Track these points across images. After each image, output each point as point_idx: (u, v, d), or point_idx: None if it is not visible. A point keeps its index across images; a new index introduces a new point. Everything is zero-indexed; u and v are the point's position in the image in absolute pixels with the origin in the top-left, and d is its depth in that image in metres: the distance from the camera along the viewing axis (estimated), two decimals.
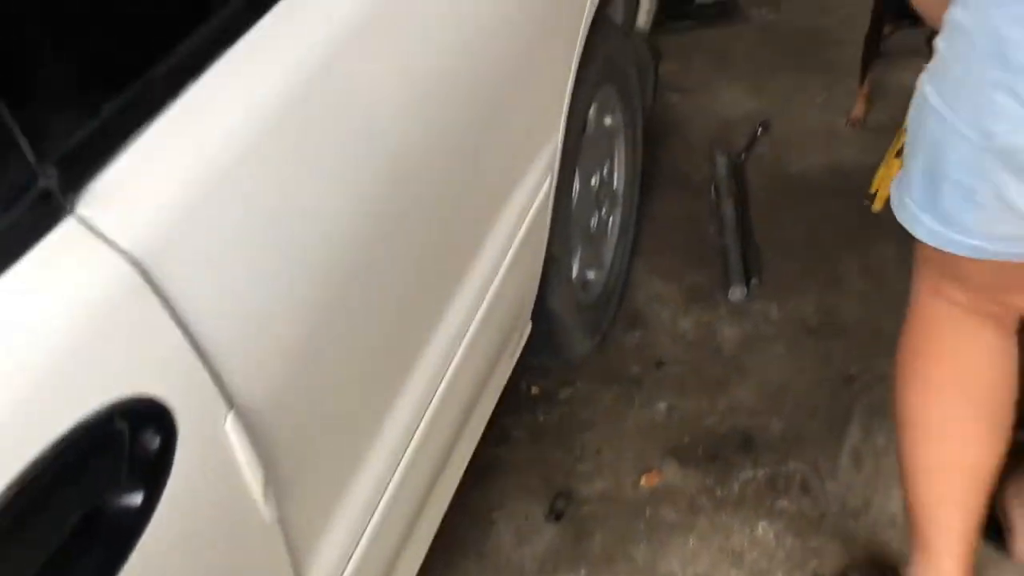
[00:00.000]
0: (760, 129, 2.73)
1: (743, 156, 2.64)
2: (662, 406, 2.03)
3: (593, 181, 1.95)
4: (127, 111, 0.77)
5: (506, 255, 1.44)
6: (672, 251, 2.38)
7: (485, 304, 1.38)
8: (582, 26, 1.61)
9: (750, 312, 2.22)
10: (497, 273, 1.41)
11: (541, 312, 1.80)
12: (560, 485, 1.90)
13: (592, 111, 1.90)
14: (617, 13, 2.12)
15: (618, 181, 2.16)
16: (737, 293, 2.23)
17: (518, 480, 1.91)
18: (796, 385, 2.05)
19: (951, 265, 1.26)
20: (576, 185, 1.86)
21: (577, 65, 1.59)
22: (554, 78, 1.52)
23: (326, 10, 0.97)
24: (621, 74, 2.01)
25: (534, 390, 2.08)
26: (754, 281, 2.26)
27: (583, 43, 1.61)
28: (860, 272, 2.27)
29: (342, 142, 0.97)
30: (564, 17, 1.54)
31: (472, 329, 1.34)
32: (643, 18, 2.16)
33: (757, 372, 2.09)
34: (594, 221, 1.99)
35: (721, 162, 2.59)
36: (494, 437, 1.97)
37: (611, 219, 2.15)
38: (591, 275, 2.09)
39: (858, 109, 2.73)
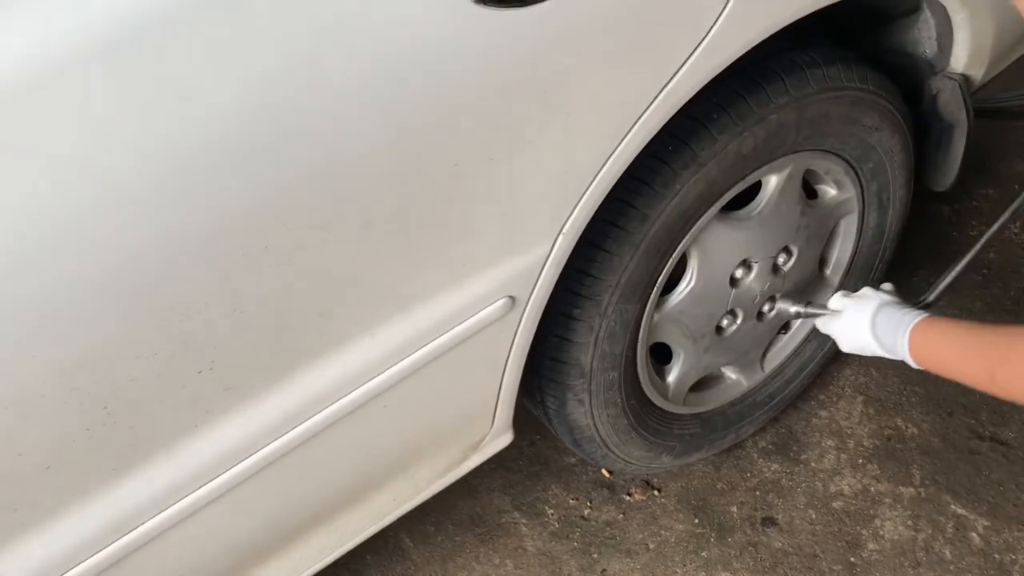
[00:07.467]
0: None
1: None
2: None
3: (753, 269, 1.40)
4: None
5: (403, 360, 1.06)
6: (910, 377, 1.72)
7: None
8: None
9: (941, 513, 1.55)
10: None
11: (560, 419, 1.38)
12: None
13: (778, 181, 1.33)
14: (923, 37, 1.43)
15: (832, 271, 1.55)
16: None
17: (512, 569, 1.56)
18: None
19: None
20: (691, 279, 1.35)
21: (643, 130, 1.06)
22: (560, 156, 1.02)
23: None
24: (857, 140, 1.38)
25: (606, 472, 1.66)
26: None
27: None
28: None
29: None
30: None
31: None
32: (963, 59, 1.41)
33: None
34: (737, 318, 1.44)
35: None
36: (530, 503, 1.63)
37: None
38: (731, 376, 1.56)
39: None
